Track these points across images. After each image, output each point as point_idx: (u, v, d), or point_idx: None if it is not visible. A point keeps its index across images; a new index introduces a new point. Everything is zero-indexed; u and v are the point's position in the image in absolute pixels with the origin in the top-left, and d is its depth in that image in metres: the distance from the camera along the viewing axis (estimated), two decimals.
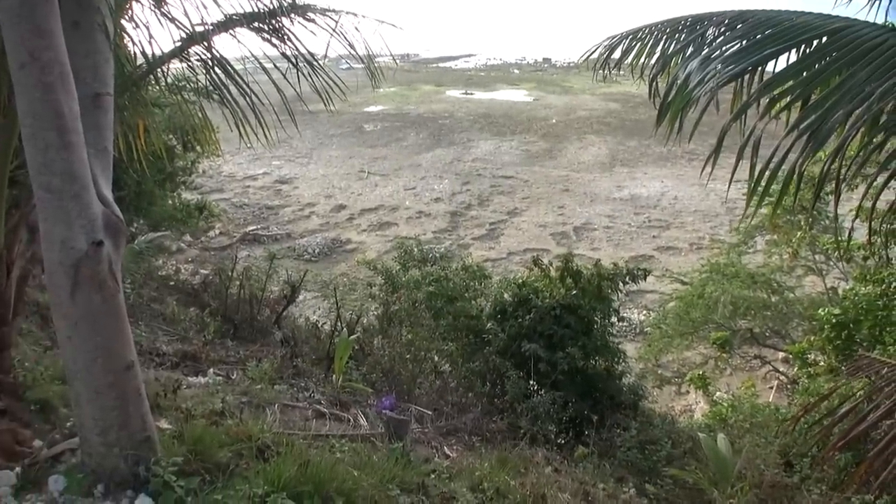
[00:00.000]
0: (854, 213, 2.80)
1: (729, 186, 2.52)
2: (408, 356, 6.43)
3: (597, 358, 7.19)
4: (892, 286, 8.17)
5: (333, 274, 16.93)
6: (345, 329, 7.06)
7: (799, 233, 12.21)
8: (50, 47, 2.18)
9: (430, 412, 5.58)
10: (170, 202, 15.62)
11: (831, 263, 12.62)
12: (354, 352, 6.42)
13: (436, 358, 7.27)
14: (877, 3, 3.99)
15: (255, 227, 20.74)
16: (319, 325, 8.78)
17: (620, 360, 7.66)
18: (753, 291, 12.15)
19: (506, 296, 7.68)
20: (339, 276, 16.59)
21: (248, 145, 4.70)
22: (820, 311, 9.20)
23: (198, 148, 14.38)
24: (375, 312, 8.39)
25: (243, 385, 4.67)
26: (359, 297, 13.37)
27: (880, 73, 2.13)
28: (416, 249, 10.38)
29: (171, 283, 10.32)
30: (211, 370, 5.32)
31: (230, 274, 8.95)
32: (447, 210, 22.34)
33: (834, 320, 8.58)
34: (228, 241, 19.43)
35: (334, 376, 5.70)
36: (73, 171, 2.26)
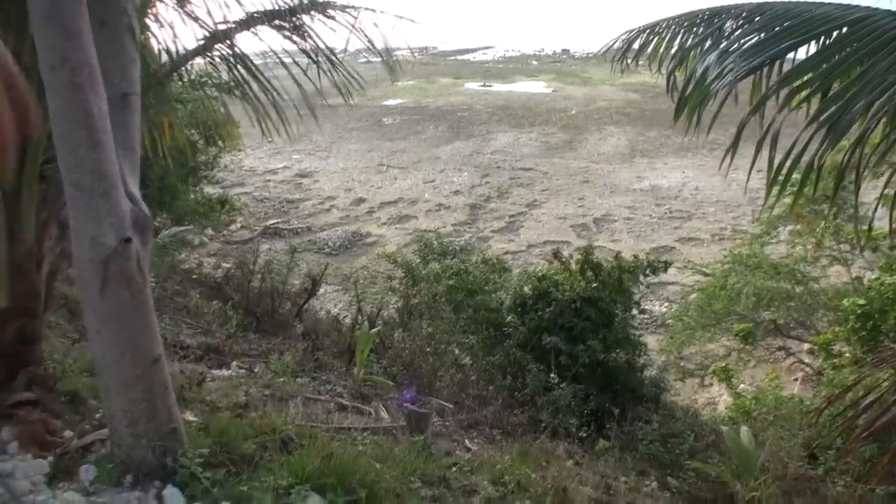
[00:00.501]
0: (877, 201, 2.76)
1: (748, 178, 2.50)
2: (428, 349, 6.48)
3: (618, 351, 7.18)
4: None
5: (354, 267, 17.03)
6: (366, 322, 7.12)
7: (823, 222, 12.01)
8: (79, 49, 2.23)
9: (451, 405, 5.63)
10: (192, 196, 15.83)
11: (856, 253, 12.39)
12: (375, 345, 6.48)
13: (456, 351, 7.32)
14: None
15: (275, 221, 20.94)
16: (340, 319, 8.88)
17: (642, 353, 7.64)
18: (777, 282, 11.98)
19: (526, 289, 7.69)
20: (359, 270, 16.68)
21: (270, 140, 4.77)
22: (845, 301, 9.07)
23: (220, 143, 14.56)
24: (396, 305, 8.45)
25: (266, 378, 4.75)
26: (379, 290, 13.44)
27: None
28: (435, 242, 10.42)
29: (195, 276, 10.47)
30: (234, 363, 5.41)
31: (252, 267, 9.06)
32: (466, 203, 22.33)
33: (859, 311, 8.44)
34: (250, 235, 19.63)
35: (356, 369, 5.77)
36: (102, 170, 2.32)
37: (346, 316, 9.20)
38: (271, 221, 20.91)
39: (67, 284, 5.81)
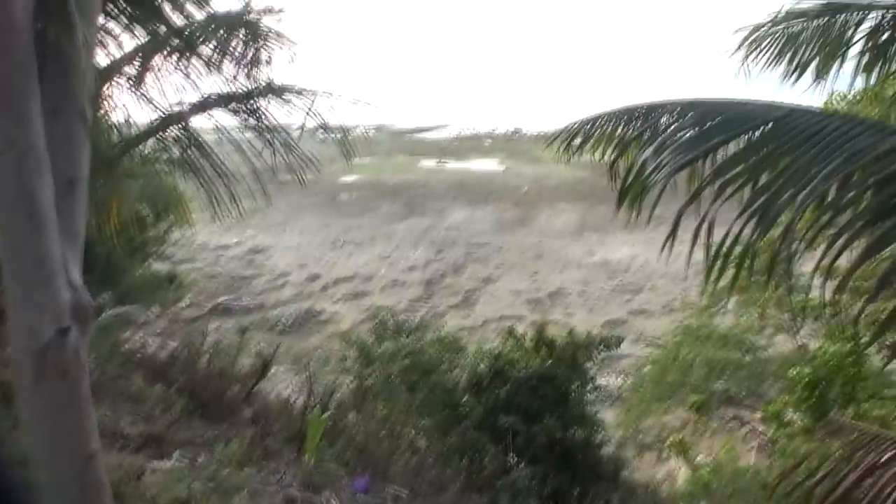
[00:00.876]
0: (812, 274, 2.91)
1: (689, 257, 2.61)
2: (383, 432, 6.30)
3: (575, 428, 7.14)
4: (861, 342, 8.33)
5: (307, 346, 16.67)
6: (317, 406, 6.91)
7: (766, 293, 12.47)
8: (28, 135, 2.22)
9: (406, 492, 5.44)
10: (139, 273, 15.41)
11: (799, 322, 12.84)
12: (328, 429, 6.26)
13: (412, 433, 7.14)
14: (818, 85, 4.29)
15: (226, 298, 20.47)
16: (291, 401, 8.57)
17: (599, 430, 7.61)
18: (727, 352, 12.26)
19: (481, 367, 7.64)
20: (312, 349, 16.33)
21: (222, 221, 4.74)
22: (791, 371, 9.31)
23: (170, 218, 14.36)
24: (350, 387, 8.25)
25: (210, 469, 4.51)
26: (332, 369, 13.14)
27: (822, 156, 2.27)
28: (390, 320, 10.32)
29: (138, 357, 10.03)
30: (177, 452, 5.13)
31: (199, 348, 8.75)
32: (422, 278, 22.39)
33: (805, 380, 8.67)
34: (199, 313, 19.10)
35: (306, 456, 5.55)
36: (43, 258, 2.26)
37: (297, 399, 8.91)
38: (222, 298, 20.44)
39: (2, 366, 5.50)
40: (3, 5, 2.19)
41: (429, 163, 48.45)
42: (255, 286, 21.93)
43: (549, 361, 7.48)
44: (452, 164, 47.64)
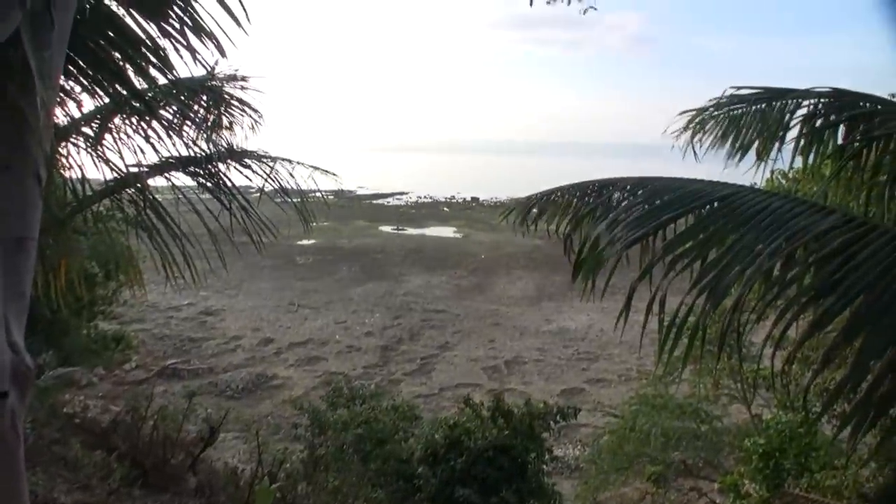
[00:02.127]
0: (763, 344, 2.99)
1: (644, 327, 2.67)
2: None
3: (533, 501, 7.00)
4: (813, 412, 8.47)
5: (258, 412, 16.07)
6: (266, 476, 6.63)
7: (717, 364, 12.67)
8: None
9: None
10: (84, 333, 14.81)
11: (751, 391, 13.04)
12: (276, 500, 5.99)
13: None
14: (762, 165, 4.55)
15: (175, 361, 19.72)
16: (239, 471, 8.20)
17: (557, 503, 7.47)
18: (683, 422, 12.32)
19: (437, 437, 7.50)
20: (263, 416, 15.75)
21: (175, 282, 4.64)
22: (746, 441, 9.38)
23: (120, 277, 13.96)
24: (301, 456, 7.96)
25: None
26: (283, 437, 12.66)
27: (767, 233, 2.39)
28: (345, 387, 10.11)
29: (78, 421, 9.52)
30: None
31: (144, 412, 8.37)
32: (378, 344, 22.08)
33: (760, 450, 8.74)
34: (145, 375, 18.31)
35: None
36: None
37: (245, 468, 8.52)
38: (170, 361, 19.68)
39: None
40: None
41: (387, 228, 48.75)
42: (206, 349, 21.22)
43: (507, 431, 7.39)
44: (411, 231, 48.04)
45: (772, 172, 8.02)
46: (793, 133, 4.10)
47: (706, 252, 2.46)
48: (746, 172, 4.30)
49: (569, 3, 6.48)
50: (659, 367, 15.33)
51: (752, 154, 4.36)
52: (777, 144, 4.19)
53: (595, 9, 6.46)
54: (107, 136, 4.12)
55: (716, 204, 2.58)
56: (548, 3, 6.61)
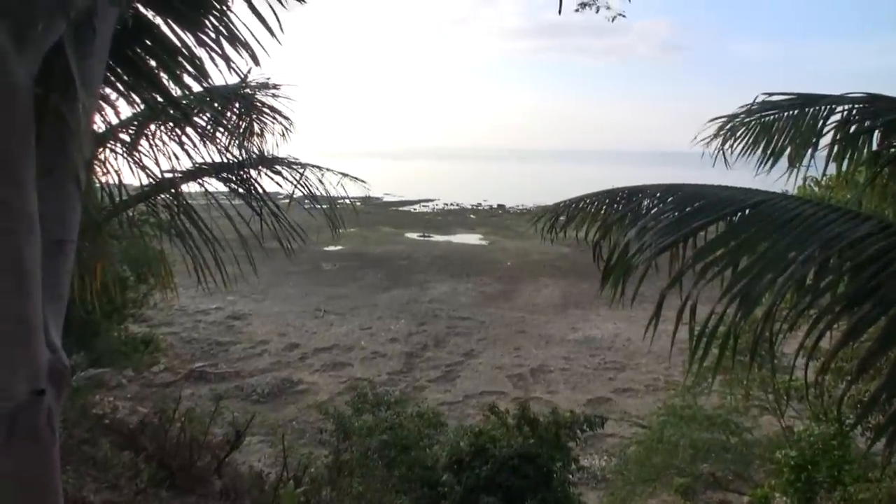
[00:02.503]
0: (795, 355, 2.94)
1: (674, 336, 2.63)
2: None
3: None
4: (846, 424, 8.27)
5: (283, 417, 16.21)
6: (291, 480, 6.68)
7: (749, 374, 12.43)
8: (21, 196, 2.22)
9: None
10: (115, 335, 15.11)
11: (784, 403, 12.76)
12: None
13: None
14: (794, 172, 4.47)
15: (202, 364, 20.00)
16: (264, 474, 8.28)
17: None
18: (712, 433, 12.09)
19: (462, 444, 7.47)
20: (288, 420, 15.88)
21: (205, 286, 4.72)
22: (777, 453, 9.18)
23: (151, 280, 14.24)
24: (325, 461, 8.00)
25: None
26: (308, 442, 12.74)
27: (800, 240, 2.36)
28: (369, 393, 10.14)
29: (107, 422, 9.73)
30: None
31: (171, 414, 8.51)
32: (403, 351, 22.11)
33: (792, 462, 8.55)
34: (173, 378, 18.59)
35: None
36: (25, 317, 2.22)
37: (270, 472, 8.60)
38: (197, 364, 19.96)
39: None
40: (5, 70, 2.26)
41: (413, 235, 48.91)
42: (233, 353, 21.49)
43: (532, 440, 7.34)
44: (437, 237, 48.12)
45: (804, 180, 7.89)
46: (826, 139, 4.03)
47: (737, 259, 2.42)
48: (778, 180, 4.23)
49: (597, 10, 6.46)
50: (688, 377, 15.12)
51: (783, 161, 4.29)
52: (810, 151, 4.12)
53: (624, 16, 6.43)
54: (142, 142, 4.24)
55: (747, 211, 2.54)
56: (576, 10, 6.60)
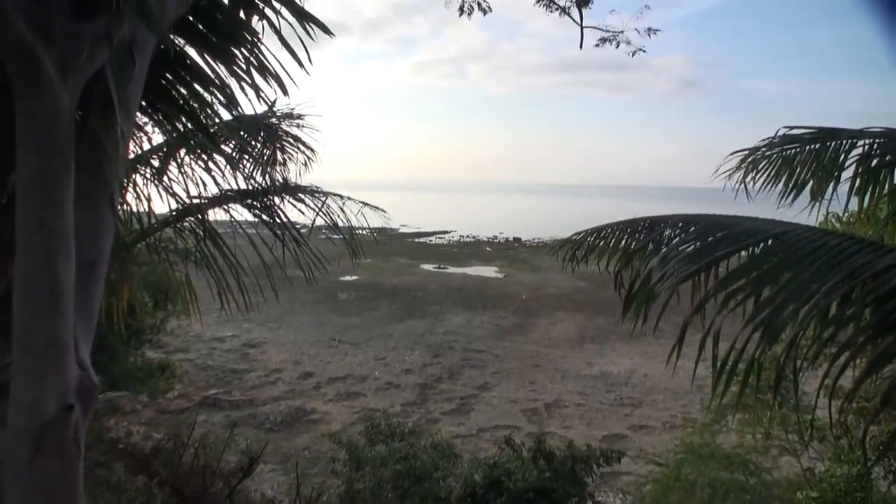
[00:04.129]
0: (817, 393, 2.90)
1: (695, 371, 2.62)
2: None
3: None
4: (868, 465, 8.07)
5: (295, 445, 16.11)
6: None
7: (769, 412, 12.19)
8: (59, 217, 2.31)
9: None
10: (132, 360, 15.21)
11: (805, 443, 12.47)
12: None
13: None
14: (816, 207, 4.48)
15: (216, 391, 20.00)
16: (276, 502, 8.23)
17: None
18: (730, 473, 11.82)
19: (476, 477, 7.38)
20: (301, 449, 15.77)
21: (227, 311, 4.78)
22: (798, 493, 8.95)
23: (169, 307, 14.38)
24: (338, 490, 7.94)
25: None
26: (320, 471, 12.63)
27: (823, 271, 2.36)
28: (383, 423, 10.07)
29: (121, 446, 9.78)
30: None
31: (185, 440, 8.53)
32: (417, 382, 21.97)
33: (813, 503, 8.33)
34: (187, 404, 18.60)
35: None
36: (57, 335, 2.29)
37: (283, 500, 8.54)
38: (212, 391, 19.97)
39: None
40: (51, 96, 2.36)
41: (429, 266, 48.99)
42: (247, 381, 21.47)
43: (548, 474, 7.23)
44: (452, 269, 48.15)
45: (825, 216, 7.85)
46: (847, 173, 4.04)
47: (760, 289, 2.42)
48: (799, 214, 4.23)
49: (617, 45, 6.58)
50: (707, 414, 14.84)
51: (804, 195, 4.30)
52: (832, 184, 4.13)
53: (644, 51, 6.54)
54: (171, 167, 4.36)
55: (770, 241, 2.55)
56: (596, 45, 6.73)
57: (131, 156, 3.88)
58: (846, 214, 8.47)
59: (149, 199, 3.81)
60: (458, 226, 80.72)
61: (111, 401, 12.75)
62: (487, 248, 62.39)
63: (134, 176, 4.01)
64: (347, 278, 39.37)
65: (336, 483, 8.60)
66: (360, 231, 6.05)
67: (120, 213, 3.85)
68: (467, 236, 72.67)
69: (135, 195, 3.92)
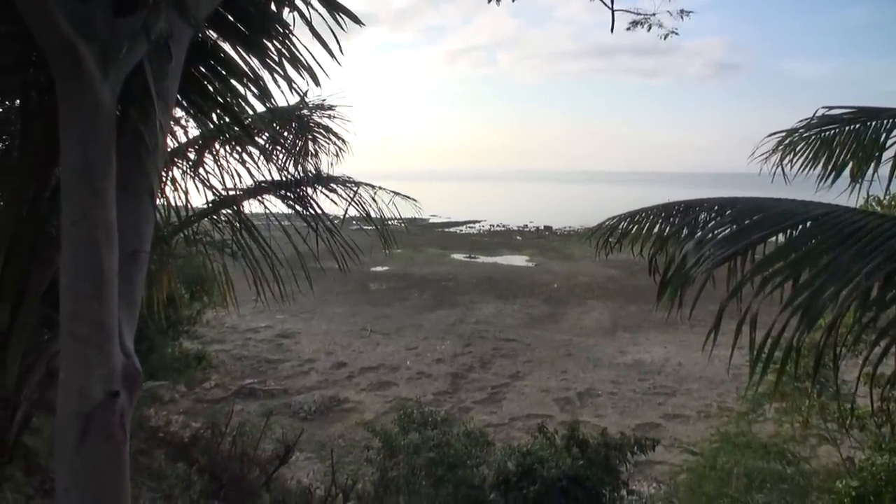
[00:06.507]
0: (857, 380, 2.84)
1: (731, 356, 2.59)
2: None
3: None
4: None
5: (330, 434, 16.35)
6: (339, 496, 6.74)
7: (807, 401, 11.94)
8: (102, 207, 2.38)
9: None
10: (169, 351, 15.56)
11: (845, 431, 12.20)
12: None
13: None
14: (856, 187, 4.36)
15: (251, 381, 20.39)
16: (312, 490, 8.38)
17: None
18: (767, 462, 11.63)
19: (509, 464, 7.40)
20: (335, 437, 16.01)
21: (262, 301, 4.87)
22: (837, 483, 8.76)
23: (205, 298, 14.65)
24: (372, 478, 8.05)
25: None
26: (354, 459, 12.81)
27: (864, 253, 2.30)
28: (416, 412, 10.16)
29: (161, 434, 10.05)
30: None
31: (222, 429, 8.72)
32: (448, 371, 22.06)
33: (853, 493, 8.14)
34: (223, 394, 19.01)
35: None
36: (102, 322, 2.36)
37: (318, 487, 8.69)
38: (247, 381, 20.37)
39: (29, 434, 5.55)
40: (93, 91, 2.43)
41: (459, 256, 49.00)
42: (282, 371, 21.85)
43: (581, 462, 7.22)
44: (483, 259, 48.08)
45: (866, 198, 7.62)
46: (889, 153, 3.92)
47: (798, 272, 2.37)
48: (838, 197, 4.12)
49: (649, 28, 6.47)
50: (743, 402, 14.61)
51: (843, 177, 4.19)
52: (873, 165, 4.01)
53: (677, 33, 6.42)
54: (206, 160, 4.45)
55: (808, 223, 2.50)
56: (628, 29, 6.62)
57: (169, 148, 3.97)
58: (888, 197, 8.21)
59: (186, 192, 3.90)
60: (487, 215, 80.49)
61: (150, 390, 13.09)
62: (518, 238, 62.12)
63: (171, 168, 4.10)
64: (378, 268, 39.65)
65: (370, 470, 8.72)
66: (391, 221, 6.09)
67: (158, 205, 3.94)
68: (497, 225, 72.43)
69: (172, 188, 4.03)
